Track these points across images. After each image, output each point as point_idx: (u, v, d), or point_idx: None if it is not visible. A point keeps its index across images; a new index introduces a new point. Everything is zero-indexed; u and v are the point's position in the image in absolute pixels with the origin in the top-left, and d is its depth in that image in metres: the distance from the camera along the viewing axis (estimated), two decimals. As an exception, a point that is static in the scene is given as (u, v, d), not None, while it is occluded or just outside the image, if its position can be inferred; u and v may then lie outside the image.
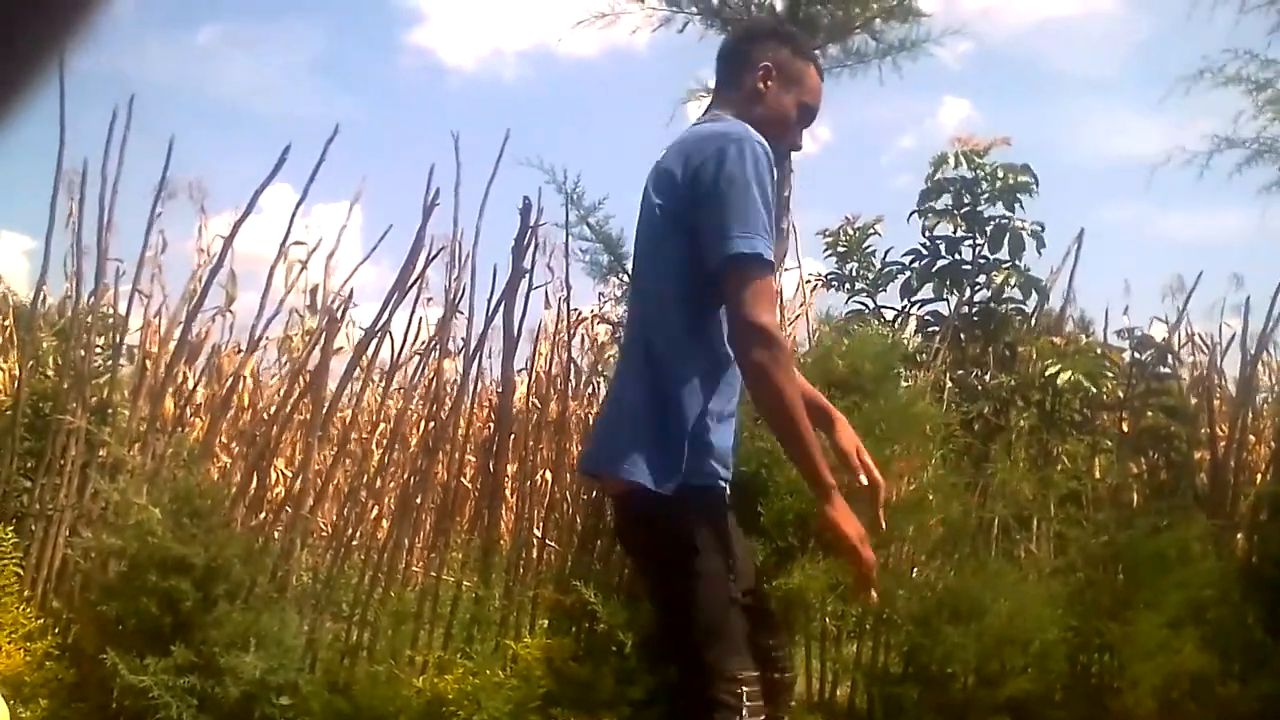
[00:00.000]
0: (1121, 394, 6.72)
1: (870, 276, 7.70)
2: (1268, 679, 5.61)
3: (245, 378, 7.38)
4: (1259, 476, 6.98)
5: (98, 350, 6.33)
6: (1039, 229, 7.27)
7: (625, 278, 5.67)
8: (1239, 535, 6.51)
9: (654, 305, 2.64)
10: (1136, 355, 6.82)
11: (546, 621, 5.44)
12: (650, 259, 2.69)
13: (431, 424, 6.24)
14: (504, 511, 6.60)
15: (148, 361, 6.65)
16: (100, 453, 5.74)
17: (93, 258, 6.23)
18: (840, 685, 5.66)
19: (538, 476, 6.66)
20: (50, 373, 6.07)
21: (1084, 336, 7.00)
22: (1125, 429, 6.67)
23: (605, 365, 6.52)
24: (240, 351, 7.32)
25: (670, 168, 2.60)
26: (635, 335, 2.72)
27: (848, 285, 7.70)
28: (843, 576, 5.14)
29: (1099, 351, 6.65)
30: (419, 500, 5.91)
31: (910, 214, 7.51)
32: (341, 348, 6.63)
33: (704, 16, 6.35)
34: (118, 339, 6.41)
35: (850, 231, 7.67)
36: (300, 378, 6.24)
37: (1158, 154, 7.56)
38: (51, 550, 5.43)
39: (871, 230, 7.69)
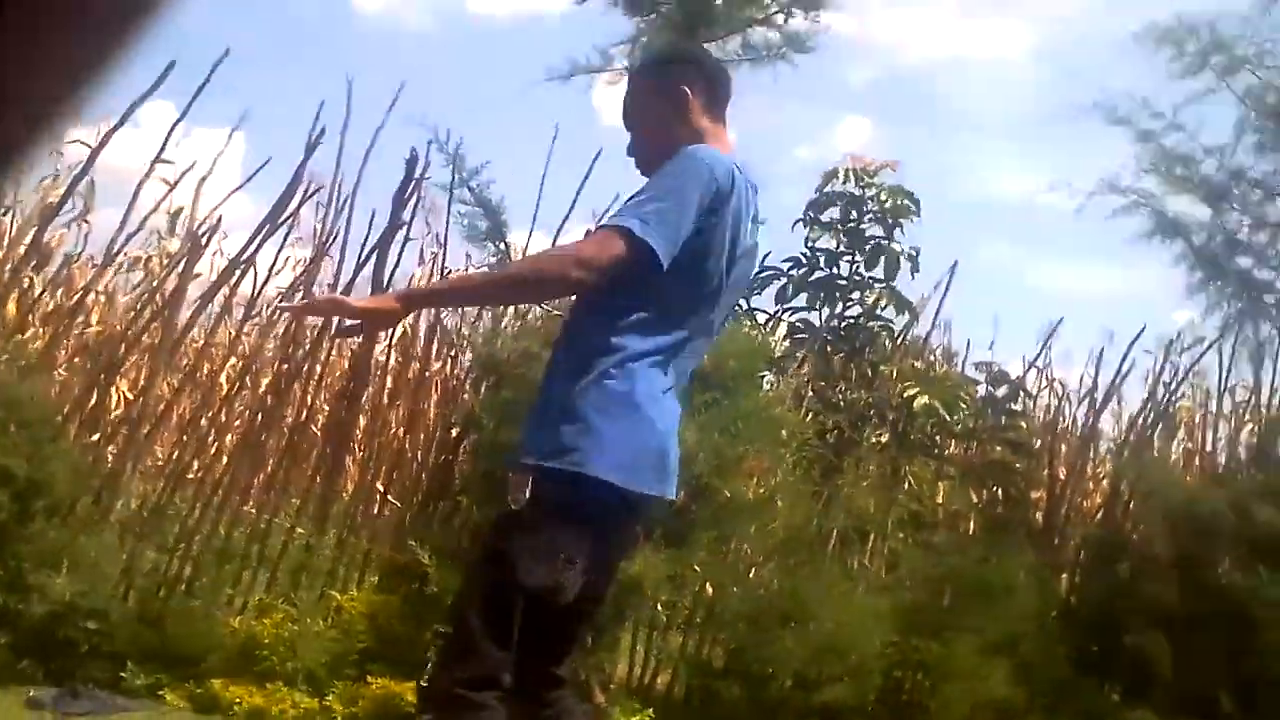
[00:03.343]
0: (972, 424, 6.89)
1: (747, 278, 7.74)
2: (1070, 715, 5.81)
3: (97, 292, 7.10)
4: (1089, 521, 7.22)
5: (-58, 242, 6.05)
6: (915, 253, 7.41)
7: (501, 245, 5.62)
8: (1063, 575, 6.73)
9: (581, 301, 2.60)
10: (991, 389, 6.99)
11: (377, 578, 5.36)
12: None
13: (285, 365, 6.08)
14: (350, 463, 6.49)
15: (-7, 261, 6.38)
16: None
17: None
18: (661, 674, 5.68)
19: (389, 432, 6.55)
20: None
21: (944, 365, 7.15)
22: (971, 459, 6.84)
23: (471, 329, 6.44)
24: (94, 265, 7.04)
25: None
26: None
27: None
28: (681, 567, 5.18)
29: (957, 381, 6.81)
30: (263, 439, 5.77)
31: (795, 222, 7.59)
32: (201, 274, 6.43)
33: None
34: (-35, 233, 6.12)
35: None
36: (155, 299, 6.04)
37: (1041, 191, 7.74)
38: None
39: (752, 234, 7.73)
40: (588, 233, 2.44)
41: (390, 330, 6.24)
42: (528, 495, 2.38)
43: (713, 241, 2.48)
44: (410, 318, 6.81)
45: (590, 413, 2.40)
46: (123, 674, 4.56)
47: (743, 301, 7.77)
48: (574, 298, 2.61)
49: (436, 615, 4.75)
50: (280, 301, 6.28)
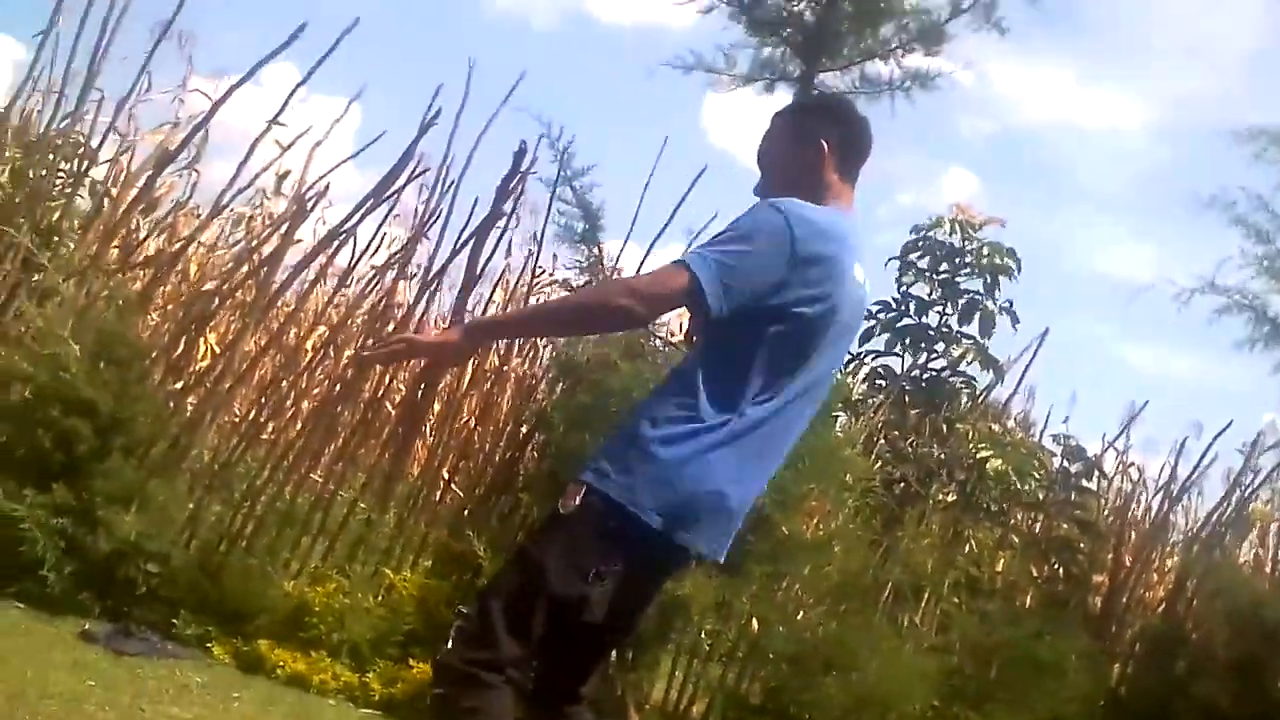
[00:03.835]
0: (1041, 496, 6.79)
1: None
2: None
3: (199, 243, 7.24)
4: (1150, 612, 7.07)
5: (59, 174, 6.19)
6: (1010, 310, 7.33)
7: (595, 249, 5.64)
8: (1116, 664, 6.60)
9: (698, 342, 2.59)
10: (1065, 464, 6.88)
11: (431, 563, 5.39)
12: None
13: (370, 341, 6.15)
14: (419, 446, 6.54)
15: (106, 200, 6.52)
16: (35, 277, 5.60)
17: (79, 83, 6.11)
18: (698, 702, 5.66)
19: (461, 421, 6.60)
20: (4, 180, 5.90)
21: (1021, 432, 7.06)
22: (1036, 531, 6.74)
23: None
24: (199, 216, 7.17)
25: None
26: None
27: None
28: (730, 596, 5.16)
29: (1032, 450, 6.71)
30: (338, 410, 5.83)
31: (889, 260, 7.54)
32: (301, 240, 6.53)
33: (734, 7, 6.35)
34: (82, 169, 6.26)
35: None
36: (253, 258, 6.14)
37: (1144, 279, 7.67)
38: (-42, 359, 5.29)
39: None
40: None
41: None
42: (576, 504, 2.40)
43: (799, 297, 2.43)
44: (495, 308, 6.89)
45: (653, 446, 2.40)
46: (175, 621, 4.62)
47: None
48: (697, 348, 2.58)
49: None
50: (373, 273, 6.33)
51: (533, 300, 6.60)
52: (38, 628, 4.34)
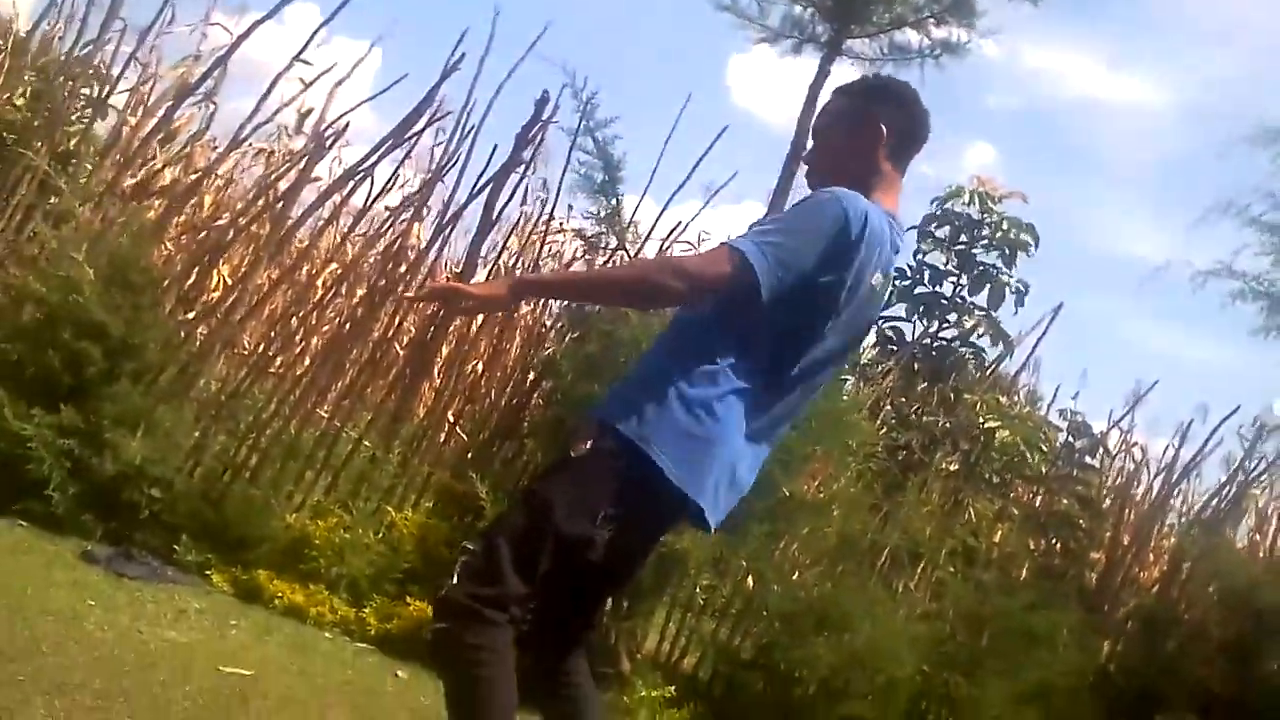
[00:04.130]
0: (1044, 470, 6.80)
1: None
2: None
3: (216, 175, 7.24)
4: (1144, 591, 7.09)
5: (79, 100, 6.19)
6: (1024, 288, 7.31)
7: (614, 201, 5.62)
8: (1107, 640, 6.63)
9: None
10: (1070, 439, 6.89)
11: (432, 503, 5.42)
12: None
13: (382, 281, 6.16)
14: (426, 387, 6.56)
15: (124, 128, 6.52)
16: (51, 200, 5.62)
17: (102, 9, 6.09)
18: (690, 654, 5.70)
19: (469, 365, 6.61)
20: (22, 103, 5.90)
21: (1027, 406, 7.06)
22: (1037, 505, 6.75)
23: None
24: (217, 148, 7.17)
25: None
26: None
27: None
28: (728, 553, 5.19)
29: (1039, 423, 6.72)
30: (347, 348, 5.85)
31: (907, 230, 7.52)
32: (319, 179, 6.54)
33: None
34: (102, 94, 6.25)
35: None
36: (269, 193, 6.14)
37: (1159, 259, 7.65)
38: (-28, 276, 5.32)
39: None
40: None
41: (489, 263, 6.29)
42: (589, 446, 2.41)
43: (830, 291, 2.44)
44: (508, 255, 6.90)
45: (674, 401, 2.41)
46: (176, 546, 4.67)
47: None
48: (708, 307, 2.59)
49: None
50: (388, 214, 6.33)
51: (546, 247, 6.62)
52: (40, 546, 4.38)
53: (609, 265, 2.42)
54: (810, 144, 2.73)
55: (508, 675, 2.40)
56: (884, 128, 2.62)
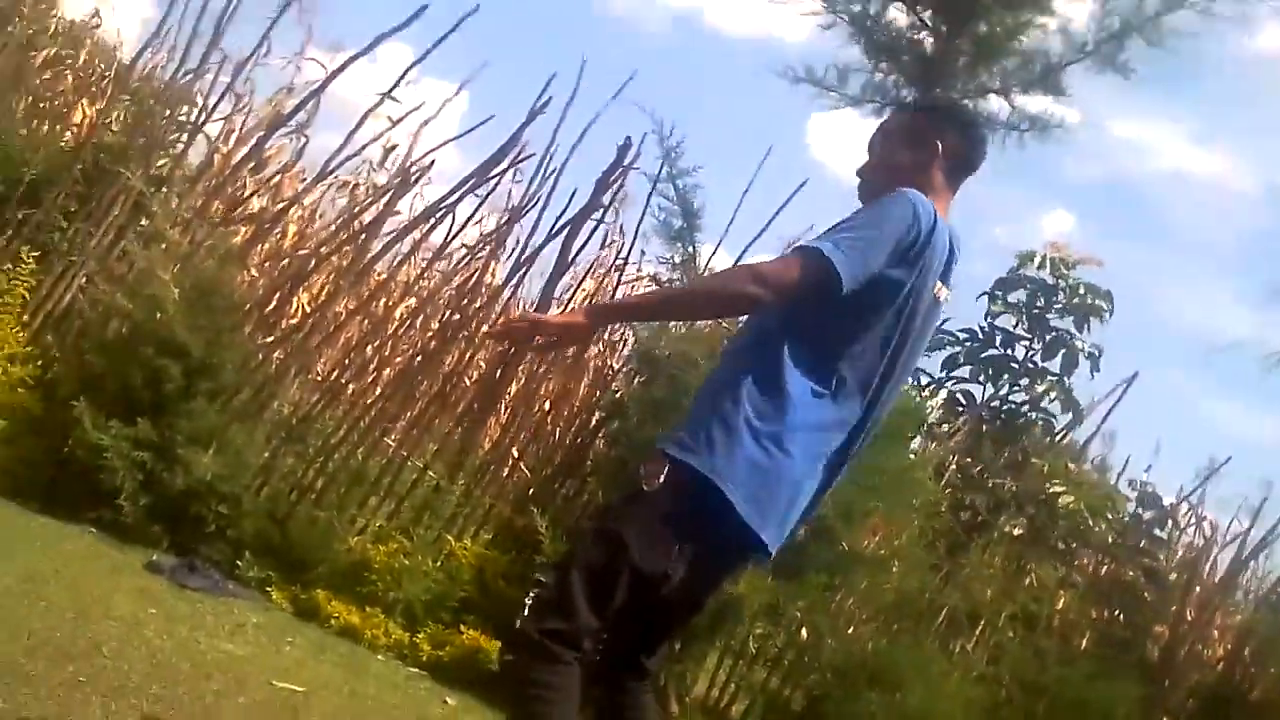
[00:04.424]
0: (1110, 540, 6.69)
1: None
2: None
3: (302, 205, 7.43)
4: (1207, 669, 6.93)
5: (175, 127, 6.40)
6: (1097, 353, 7.23)
7: (690, 248, 5.68)
8: (1166, 716, 6.48)
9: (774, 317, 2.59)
10: (1139, 511, 6.78)
11: (492, 535, 5.47)
12: None
13: (456, 316, 6.26)
14: (493, 422, 6.63)
15: (217, 156, 6.73)
16: (143, 221, 5.80)
17: (203, 41, 6.30)
18: (739, 702, 5.67)
19: (536, 403, 6.67)
20: (120, 128, 6.12)
21: (1096, 475, 6.95)
22: (1102, 574, 6.64)
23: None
24: (305, 180, 7.36)
25: None
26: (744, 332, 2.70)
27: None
28: (784, 601, 5.17)
29: (1107, 492, 6.62)
30: (418, 380, 5.95)
31: (981, 295, 7.50)
32: (400, 213, 6.68)
33: (855, 28, 6.35)
34: (198, 122, 6.45)
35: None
36: (352, 225, 6.28)
37: (1233, 337, 7.53)
38: (63, 289, 5.50)
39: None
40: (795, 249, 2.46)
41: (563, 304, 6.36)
42: (661, 481, 2.41)
43: (898, 290, 2.46)
44: (583, 296, 6.97)
45: (744, 433, 2.41)
46: (239, 562, 4.77)
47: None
48: (775, 322, 2.60)
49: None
50: (466, 251, 6.43)
51: (621, 290, 6.68)
52: (108, 553, 4.51)
53: (690, 282, 2.39)
54: (864, 163, 2.73)
55: (569, 715, 2.41)
56: (939, 143, 2.63)
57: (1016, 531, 6.44)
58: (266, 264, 6.97)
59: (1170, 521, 6.92)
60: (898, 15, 8.87)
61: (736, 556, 2.69)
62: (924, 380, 7.53)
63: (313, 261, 6.28)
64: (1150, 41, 8.50)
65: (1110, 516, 6.58)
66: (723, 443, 2.41)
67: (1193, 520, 7.50)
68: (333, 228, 6.61)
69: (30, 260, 5.33)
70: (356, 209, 6.65)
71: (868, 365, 2.51)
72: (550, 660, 2.39)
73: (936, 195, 2.62)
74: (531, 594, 2.44)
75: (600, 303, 2.38)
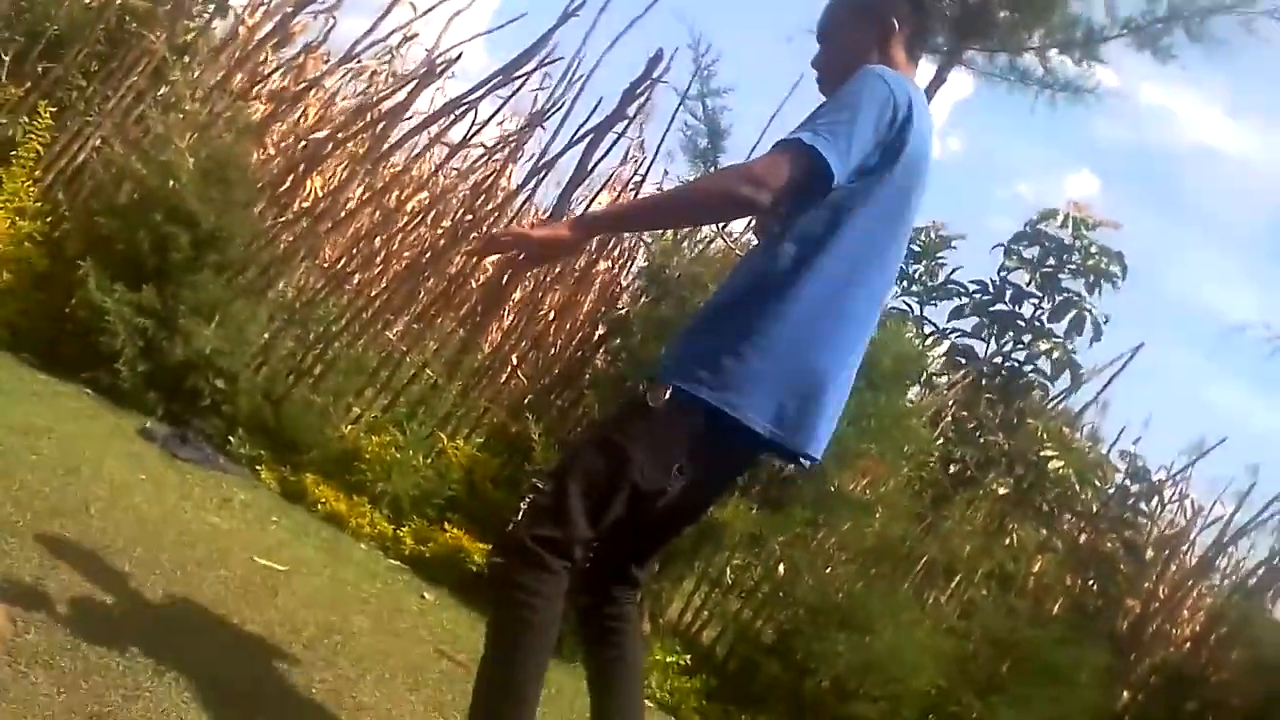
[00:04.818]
0: (1095, 509, 6.72)
1: (929, 285, 7.65)
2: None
3: (323, 87, 7.33)
4: (1173, 648, 6.98)
5: (202, -2, 6.30)
6: (1104, 320, 7.22)
7: (713, 168, 5.62)
8: (1127, 690, 6.55)
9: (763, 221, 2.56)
10: (1128, 483, 6.80)
11: (485, 438, 5.47)
12: None
13: (468, 216, 6.22)
14: (494, 327, 6.62)
15: (242, 27, 6.62)
16: (163, 89, 5.72)
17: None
18: (709, 628, 5.72)
19: (540, 312, 6.65)
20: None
21: (1089, 443, 6.96)
22: (1081, 541, 6.67)
23: (653, 241, 6.47)
24: (329, 60, 7.26)
25: None
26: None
27: (906, 282, 7.66)
28: (767, 532, 5.19)
29: (1098, 460, 6.63)
30: (424, 276, 5.92)
31: (995, 246, 7.48)
32: (420, 108, 6.60)
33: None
34: (225, -6, 6.36)
35: (933, 236, 7.60)
36: (371, 113, 6.21)
37: (1242, 318, 7.51)
38: (78, 148, 5.45)
39: (951, 244, 7.63)
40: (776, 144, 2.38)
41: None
42: (665, 399, 2.39)
43: (896, 160, 2.41)
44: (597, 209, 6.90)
45: (746, 346, 2.38)
46: (231, 438, 4.78)
47: (915, 305, 7.70)
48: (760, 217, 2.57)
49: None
50: (486, 151, 6.37)
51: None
52: (103, 415, 4.51)
53: (676, 188, 2.29)
54: (819, 53, 2.64)
55: (551, 623, 2.43)
56: (895, 22, 2.57)
57: (1002, 490, 6.46)
58: (283, 143, 6.90)
59: (1157, 497, 6.94)
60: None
61: (745, 466, 2.67)
62: (928, 329, 7.52)
63: (329, 145, 6.21)
64: (1192, 37, 8.42)
65: (1097, 485, 6.60)
66: (730, 361, 2.37)
67: (1177, 498, 7.54)
68: (353, 113, 6.53)
69: (47, 115, 5.27)
70: (378, 96, 6.57)
71: (868, 249, 2.47)
72: (540, 567, 2.40)
73: (901, 72, 2.56)
74: (527, 499, 2.44)
75: (587, 213, 2.30)
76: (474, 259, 5.86)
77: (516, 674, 2.44)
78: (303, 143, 6.55)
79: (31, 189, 5.13)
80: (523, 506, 2.43)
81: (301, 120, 7.38)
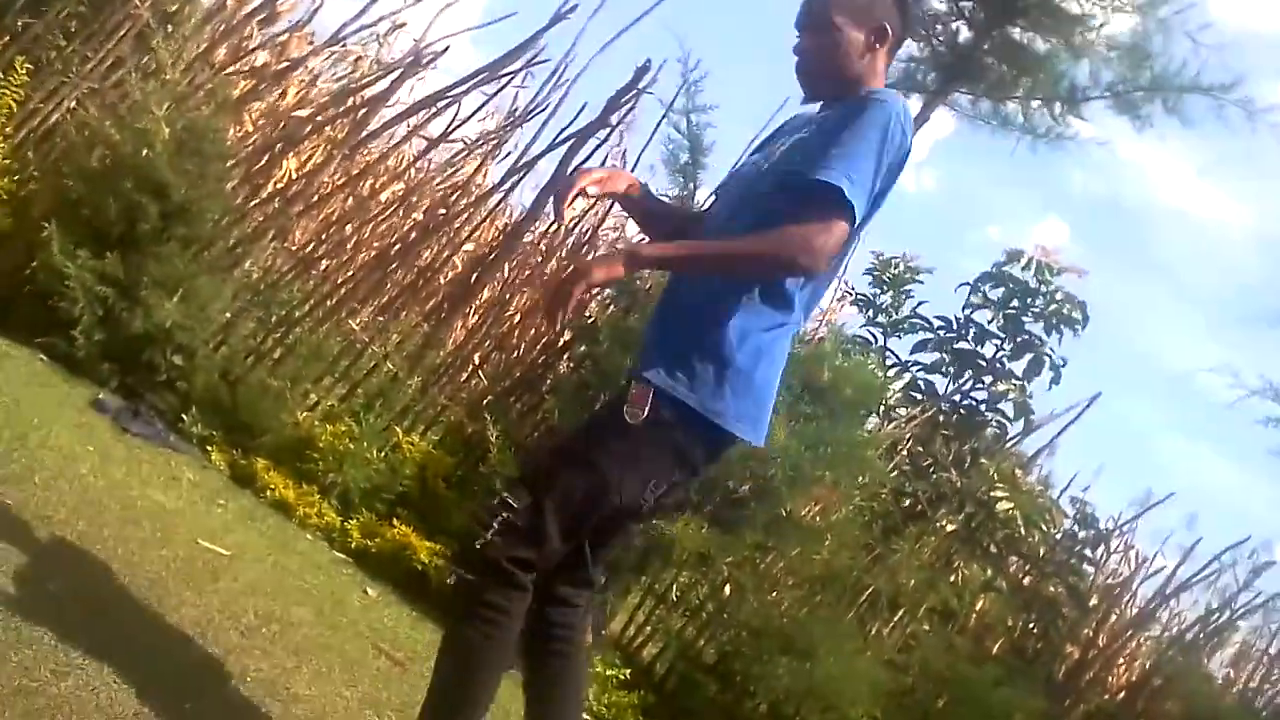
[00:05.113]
0: (1040, 553, 6.76)
1: (893, 317, 7.69)
2: None
3: (306, 68, 7.26)
4: (1108, 697, 7.03)
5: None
6: (1061, 364, 7.29)
7: (692, 185, 5.61)
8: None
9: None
10: (1075, 529, 6.85)
11: (441, 435, 5.43)
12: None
13: (442, 210, 6.18)
14: (459, 325, 6.57)
15: (229, 1, 6.55)
16: (145, 56, 5.64)
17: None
18: (651, 644, 5.70)
19: (505, 314, 6.61)
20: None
21: (1039, 486, 7.01)
22: (1025, 584, 6.71)
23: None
24: (314, 41, 7.20)
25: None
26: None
27: (870, 312, 7.70)
28: (715, 552, 5.17)
29: (1046, 504, 6.67)
30: (392, 269, 5.86)
31: (960, 285, 7.52)
32: (401, 99, 6.55)
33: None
34: (214, -38, 6.28)
35: (902, 268, 7.64)
36: (352, 99, 6.15)
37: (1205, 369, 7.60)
38: (52, 108, 5.36)
39: (919, 277, 7.67)
40: (821, 186, 2.36)
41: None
42: (645, 413, 2.37)
43: (877, 204, 2.47)
44: (571, 216, 6.87)
45: (731, 355, 2.41)
46: (184, 416, 4.71)
47: (879, 336, 7.73)
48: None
49: (480, 491, 4.82)
50: (466, 146, 6.33)
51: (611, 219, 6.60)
52: (56, 383, 4.43)
53: (735, 241, 2.26)
54: (804, 44, 2.60)
55: (512, 638, 2.45)
56: (889, 29, 2.56)
57: (951, 527, 6.48)
58: (261, 121, 6.83)
59: (1103, 545, 6.99)
60: (936, 3, 8.84)
61: (716, 460, 2.68)
62: (889, 361, 7.55)
63: (308, 127, 6.15)
64: (1169, 110, 8.62)
65: (1045, 529, 6.64)
66: (716, 371, 2.40)
67: (1123, 548, 7.60)
68: (333, 97, 6.47)
69: (23, 72, 5.18)
70: (361, 81, 6.51)
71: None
72: (511, 585, 2.41)
73: (880, 80, 2.58)
74: (501, 517, 2.40)
75: (642, 250, 2.26)
76: (451, 251, 5.83)
77: (473, 687, 2.44)
78: (281, 122, 6.49)
79: (1, 145, 5.03)
80: (495, 524, 2.39)
81: (281, 99, 7.31)
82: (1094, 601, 6.96)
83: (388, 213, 6.52)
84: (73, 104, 5.41)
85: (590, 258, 2.48)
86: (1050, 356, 7.33)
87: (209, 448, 4.70)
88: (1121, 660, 7.48)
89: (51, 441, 3.77)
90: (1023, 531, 6.47)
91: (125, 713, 2.48)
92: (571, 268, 2.49)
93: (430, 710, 2.47)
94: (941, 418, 7.16)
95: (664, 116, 5.74)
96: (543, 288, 2.82)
